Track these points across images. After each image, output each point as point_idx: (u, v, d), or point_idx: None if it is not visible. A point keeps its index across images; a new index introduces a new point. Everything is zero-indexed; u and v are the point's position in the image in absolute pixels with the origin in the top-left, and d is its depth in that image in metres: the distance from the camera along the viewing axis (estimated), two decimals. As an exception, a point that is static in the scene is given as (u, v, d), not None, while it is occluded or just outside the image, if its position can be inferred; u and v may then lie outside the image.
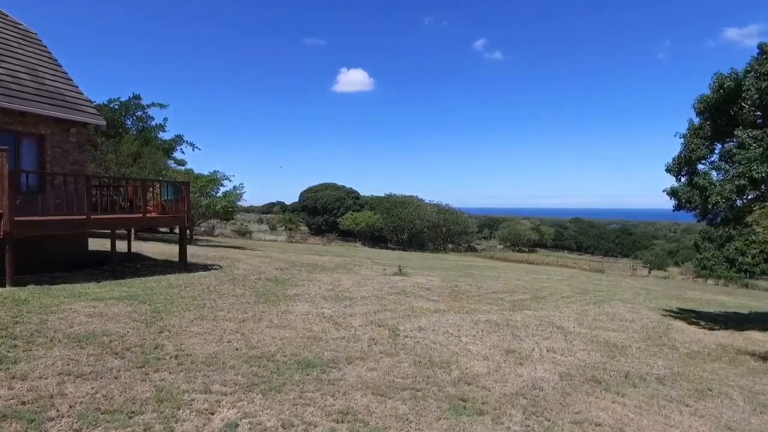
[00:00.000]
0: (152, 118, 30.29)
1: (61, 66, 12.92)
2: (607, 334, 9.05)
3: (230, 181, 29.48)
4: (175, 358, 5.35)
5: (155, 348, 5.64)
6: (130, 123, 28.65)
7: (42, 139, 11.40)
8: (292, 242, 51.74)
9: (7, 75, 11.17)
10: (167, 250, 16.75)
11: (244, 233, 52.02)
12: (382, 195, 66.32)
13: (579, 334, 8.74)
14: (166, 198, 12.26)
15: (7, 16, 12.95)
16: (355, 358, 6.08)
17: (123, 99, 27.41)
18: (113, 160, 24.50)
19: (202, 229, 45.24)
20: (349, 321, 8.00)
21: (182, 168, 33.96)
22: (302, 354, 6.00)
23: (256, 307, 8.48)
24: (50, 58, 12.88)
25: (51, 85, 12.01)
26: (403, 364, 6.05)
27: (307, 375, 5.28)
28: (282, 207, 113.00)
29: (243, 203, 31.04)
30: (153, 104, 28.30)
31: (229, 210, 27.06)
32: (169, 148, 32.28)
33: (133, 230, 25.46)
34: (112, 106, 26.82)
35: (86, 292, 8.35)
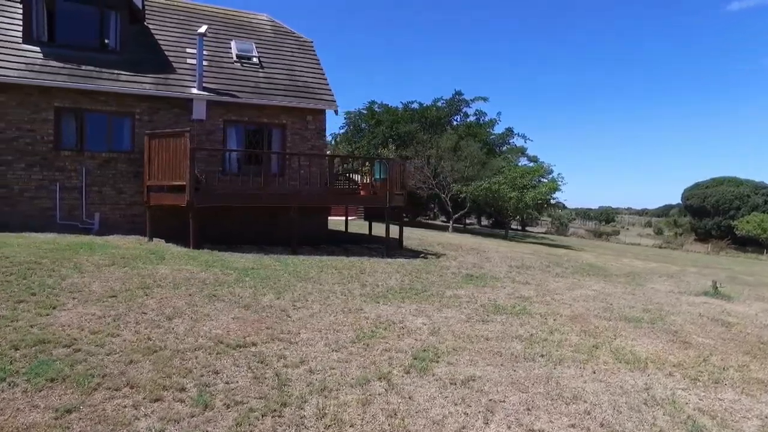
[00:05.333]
0: (484, 114, 30.96)
1: (319, 64, 14.50)
2: None
3: (551, 172, 27.05)
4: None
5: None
6: (459, 120, 30.09)
7: (284, 127, 12.97)
8: (661, 248, 43.20)
9: (265, 77, 13.23)
10: (419, 238, 16.45)
11: (600, 234, 46.97)
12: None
13: None
14: (377, 177, 11.86)
15: (293, 32, 15.58)
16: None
17: (447, 97, 29.02)
18: (434, 154, 26.15)
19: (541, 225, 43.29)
20: (399, 343, 5.04)
21: (532, 164, 33.40)
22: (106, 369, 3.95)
23: (357, 301, 6.94)
24: (313, 59, 14.63)
25: (301, 81, 13.57)
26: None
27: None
28: (680, 210, 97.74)
29: (556, 199, 27.80)
30: (476, 98, 28.87)
31: (539, 203, 24.66)
32: (501, 142, 32.34)
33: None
34: (438, 104, 28.79)
35: (229, 260, 8.81)
